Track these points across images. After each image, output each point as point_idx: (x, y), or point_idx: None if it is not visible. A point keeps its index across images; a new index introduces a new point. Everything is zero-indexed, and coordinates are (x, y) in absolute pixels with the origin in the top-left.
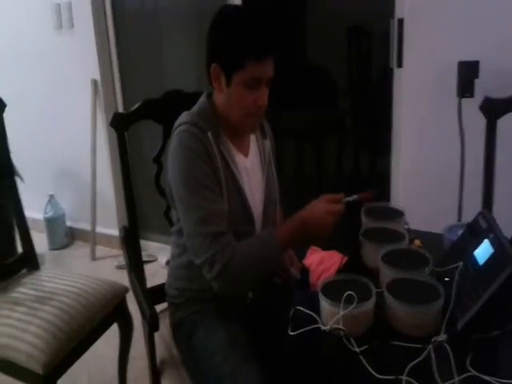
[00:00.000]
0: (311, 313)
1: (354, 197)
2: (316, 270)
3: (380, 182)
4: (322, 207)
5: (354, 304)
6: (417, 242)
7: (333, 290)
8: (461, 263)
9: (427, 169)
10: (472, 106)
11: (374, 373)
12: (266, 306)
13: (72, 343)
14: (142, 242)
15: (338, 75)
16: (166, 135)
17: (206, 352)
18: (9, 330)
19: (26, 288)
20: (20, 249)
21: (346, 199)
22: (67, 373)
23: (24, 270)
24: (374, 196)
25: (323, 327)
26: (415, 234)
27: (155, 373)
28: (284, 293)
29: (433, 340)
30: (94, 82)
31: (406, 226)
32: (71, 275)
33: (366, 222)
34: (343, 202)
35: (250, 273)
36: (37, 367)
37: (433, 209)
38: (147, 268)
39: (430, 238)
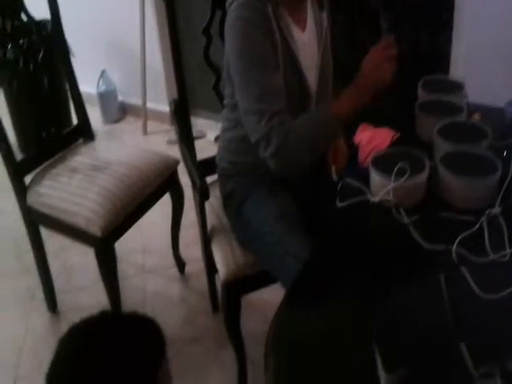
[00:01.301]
0: (360, 185)
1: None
2: (365, 147)
3: (439, 58)
4: (375, 57)
5: (406, 176)
6: (476, 115)
7: (384, 163)
8: None
9: (490, 42)
10: None
11: (423, 243)
12: (316, 180)
13: (128, 209)
14: (191, 119)
15: None
16: (215, 6)
17: (255, 220)
18: (69, 196)
19: (82, 157)
20: (75, 122)
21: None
22: (123, 237)
23: (80, 141)
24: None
25: (372, 199)
26: (475, 107)
27: (206, 239)
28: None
29: (487, 212)
30: None
31: (466, 100)
32: (125, 147)
33: (423, 95)
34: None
35: (306, 147)
36: (95, 230)
37: (495, 83)
38: (196, 144)
39: (490, 112)
